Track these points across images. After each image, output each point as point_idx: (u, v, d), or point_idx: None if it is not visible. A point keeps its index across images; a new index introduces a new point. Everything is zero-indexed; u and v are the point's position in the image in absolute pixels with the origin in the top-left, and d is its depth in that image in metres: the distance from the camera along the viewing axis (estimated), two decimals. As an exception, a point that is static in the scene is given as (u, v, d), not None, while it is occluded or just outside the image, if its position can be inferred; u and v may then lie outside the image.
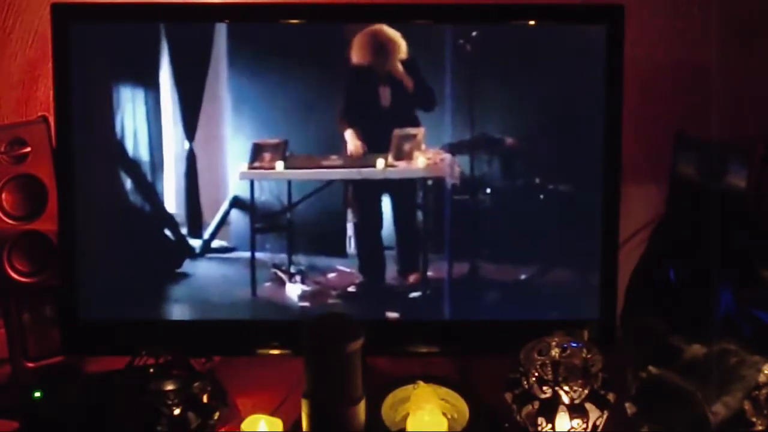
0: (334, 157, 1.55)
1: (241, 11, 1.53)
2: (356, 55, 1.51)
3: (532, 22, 1.52)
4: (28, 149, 1.53)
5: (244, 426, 1.40)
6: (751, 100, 1.70)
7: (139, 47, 1.53)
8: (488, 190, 1.55)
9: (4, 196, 1.53)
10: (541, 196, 1.54)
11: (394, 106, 1.54)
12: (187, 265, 1.57)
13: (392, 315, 1.57)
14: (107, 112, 1.53)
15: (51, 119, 1.54)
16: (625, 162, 1.53)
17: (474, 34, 1.50)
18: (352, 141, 1.54)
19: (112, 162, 1.55)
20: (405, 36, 1.51)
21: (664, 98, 1.71)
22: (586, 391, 1.34)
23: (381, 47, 1.51)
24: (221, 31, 1.51)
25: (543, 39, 1.53)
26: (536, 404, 1.35)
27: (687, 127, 1.48)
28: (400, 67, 1.52)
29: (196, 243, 1.57)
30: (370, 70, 1.52)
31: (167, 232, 1.57)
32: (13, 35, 1.66)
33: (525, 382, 1.36)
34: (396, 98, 1.54)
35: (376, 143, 1.54)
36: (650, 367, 1.39)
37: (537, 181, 1.54)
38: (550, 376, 1.34)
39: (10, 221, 1.54)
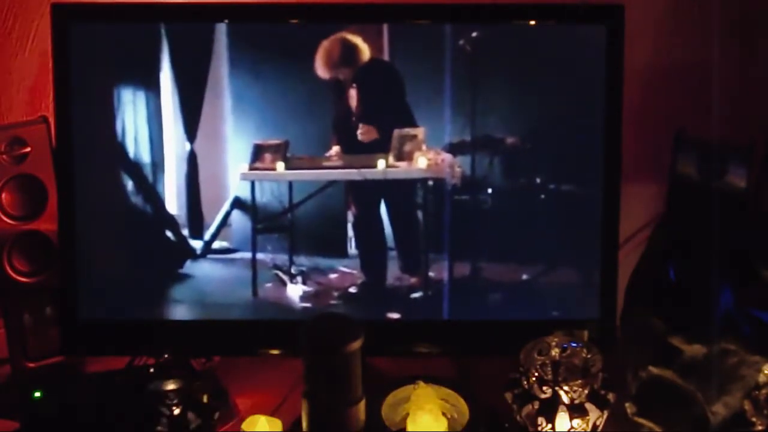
0: (334, 157, 1.55)
1: (241, 11, 1.53)
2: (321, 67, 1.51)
3: (532, 22, 1.52)
4: (28, 149, 1.53)
5: (244, 426, 1.40)
6: (751, 100, 1.69)
7: (140, 47, 1.52)
8: (489, 190, 1.54)
9: (4, 196, 1.53)
10: (542, 196, 1.54)
11: (390, 106, 1.55)
12: (188, 266, 1.57)
13: (393, 315, 1.57)
14: (107, 112, 1.53)
15: (51, 119, 1.54)
16: (625, 161, 1.53)
17: (474, 34, 1.50)
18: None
19: (112, 162, 1.55)
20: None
21: (664, 98, 1.71)
22: (586, 391, 1.34)
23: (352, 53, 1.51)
24: (221, 31, 1.51)
25: (543, 39, 1.53)
26: (536, 404, 1.35)
27: (687, 126, 1.48)
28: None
29: (197, 244, 1.57)
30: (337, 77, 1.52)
31: (168, 232, 1.57)
32: (13, 35, 1.66)
33: (525, 382, 1.36)
34: (392, 98, 1.54)
35: (376, 144, 1.54)
36: (650, 367, 1.39)
37: (537, 181, 1.54)
38: (550, 376, 1.34)
39: (10, 221, 1.54)
